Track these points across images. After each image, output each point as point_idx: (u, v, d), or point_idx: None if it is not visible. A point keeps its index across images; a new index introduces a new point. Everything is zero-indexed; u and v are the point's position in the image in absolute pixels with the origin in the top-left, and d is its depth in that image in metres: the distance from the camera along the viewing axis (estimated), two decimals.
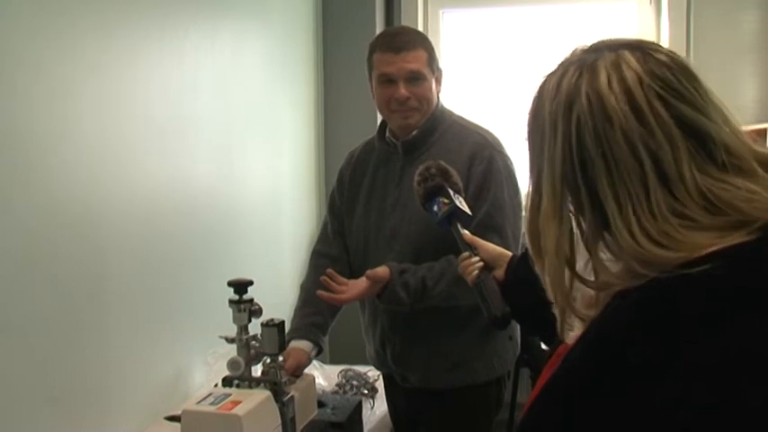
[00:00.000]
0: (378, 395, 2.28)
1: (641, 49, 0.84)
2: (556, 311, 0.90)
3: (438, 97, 1.93)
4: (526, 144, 0.92)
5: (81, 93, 1.75)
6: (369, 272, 1.75)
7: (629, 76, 0.82)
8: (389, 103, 1.86)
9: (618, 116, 0.80)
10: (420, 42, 1.87)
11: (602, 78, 0.82)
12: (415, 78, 1.84)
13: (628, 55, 0.83)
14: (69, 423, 1.72)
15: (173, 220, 2.13)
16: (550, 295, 0.88)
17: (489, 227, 1.75)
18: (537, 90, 0.91)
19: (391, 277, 1.75)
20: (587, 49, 0.88)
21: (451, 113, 1.95)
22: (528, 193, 0.91)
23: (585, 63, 0.85)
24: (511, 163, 1.87)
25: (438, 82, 1.92)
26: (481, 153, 1.83)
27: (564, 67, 0.88)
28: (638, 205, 0.79)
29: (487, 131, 1.92)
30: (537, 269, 0.90)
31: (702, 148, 0.80)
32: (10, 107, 1.54)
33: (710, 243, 0.77)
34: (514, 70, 3.13)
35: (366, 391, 2.32)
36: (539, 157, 0.88)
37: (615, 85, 0.81)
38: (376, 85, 1.89)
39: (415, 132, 1.88)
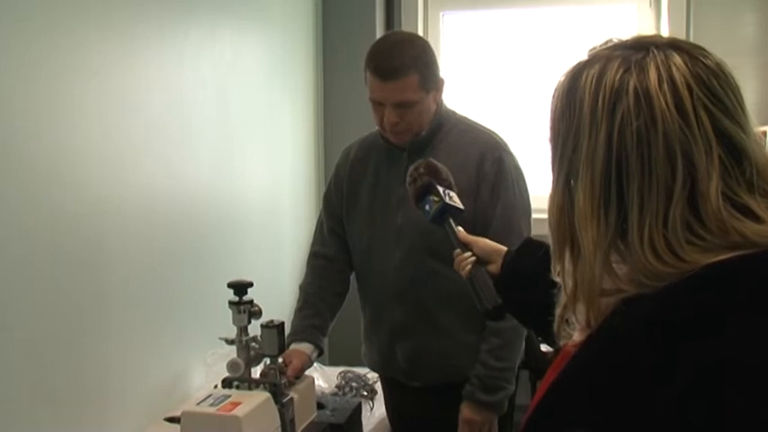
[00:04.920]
0: (377, 397, 2.27)
1: (689, 52, 0.81)
2: (559, 309, 0.87)
3: (440, 102, 1.90)
4: (551, 135, 0.88)
5: (82, 95, 1.75)
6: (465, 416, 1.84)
7: (679, 80, 0.79)
8: (381, 123, 1.85)
9: (664, 118, 0.78)
10: (411, 65, 1.78)
11: (653, 78, 0.79)
12: (404, 106, 1.81)
13: (676, 57, 0.80)
14: (69, 423, 1.72)
15: (173, 221, 2.13)
16: (572, 293, 0.84)
17: (509, 229, 1.77)
18: (567, 81, 0.86)
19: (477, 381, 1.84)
20: (629, 45, 0.84)
21: (455, 113, 1.95)
22: (553, 187, 0.87)
23: (632, 59, 0.81)
24: (518, 163, 1.89)
25: (439, 91, 1.88)
26: (492, 153, 1.84)
27: (603, 60, 0.83)
28: (655, 215, 0.78)
29: (494, 132, 1.92)
30: (556, 266, 0.87)
31: (738, 164, 0.79)
32: (12, 109, 1.55)
33: (707, 261, 0.76)
34: (514, 72, 3.13)
35: (365, 393, 2.32)
36: (573, 152, 0.84)
37: (665, 86, 0.78)
38: (370, 103, 1.87)
39: (423, 133, 1.87)
